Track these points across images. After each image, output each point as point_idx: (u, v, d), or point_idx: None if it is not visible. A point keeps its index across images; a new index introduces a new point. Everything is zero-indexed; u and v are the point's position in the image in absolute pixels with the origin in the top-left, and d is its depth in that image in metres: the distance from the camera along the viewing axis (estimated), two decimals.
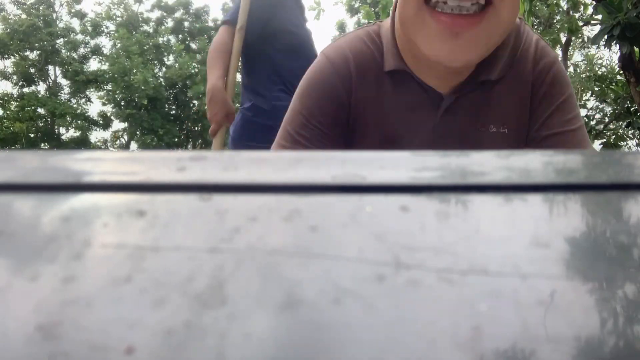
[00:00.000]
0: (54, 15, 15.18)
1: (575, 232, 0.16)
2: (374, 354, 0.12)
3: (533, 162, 0.19)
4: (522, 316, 0.13)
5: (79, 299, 0.13)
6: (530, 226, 0.16)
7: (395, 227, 0.16)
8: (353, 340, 0.12)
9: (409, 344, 0.12)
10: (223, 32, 1.39)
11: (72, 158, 0.20)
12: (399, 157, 0.20)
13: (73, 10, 15.28)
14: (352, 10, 14.08)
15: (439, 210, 0.17)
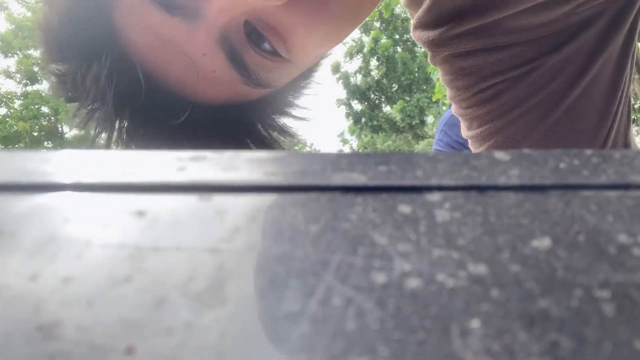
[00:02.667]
0: None
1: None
2: None
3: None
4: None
5: (79, 299, 0.13)
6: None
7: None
8: None
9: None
10: None
11: (72, 157, 0.20)
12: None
13: None
14: None
15: None
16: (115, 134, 0.46)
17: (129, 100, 0.43)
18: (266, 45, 0.42)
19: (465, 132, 0.63)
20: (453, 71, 0.59)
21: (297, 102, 0.55)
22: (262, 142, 0.52)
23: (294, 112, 0.54)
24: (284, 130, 0.53)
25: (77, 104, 0.47)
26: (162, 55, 0.42)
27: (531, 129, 0.57)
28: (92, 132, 0.49)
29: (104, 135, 0.47)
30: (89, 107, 0.45)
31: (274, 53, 0.43)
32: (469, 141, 0.63)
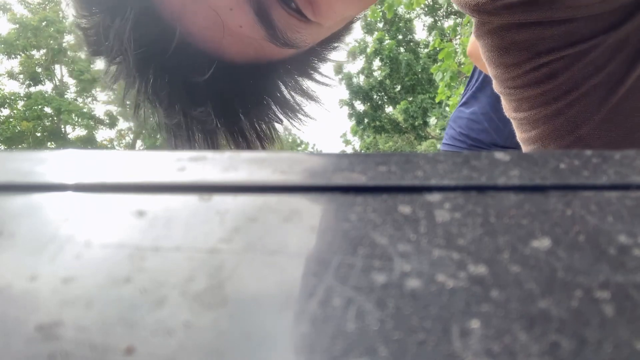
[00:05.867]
0: (60, 14, 15.23)
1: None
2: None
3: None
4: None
5: (79, 299, 0.13)
6: None
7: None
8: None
9: None
10: None
11: (72, 157, 0.20)
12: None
13: None
14: None
15: None
16: (141, 90, 0.45)
17: (153, 55, 0.42)
18: (294, 4, 0.41)
19: (511, 114, 0.58)
20: (503, 45, 0.55)
21: (323, 66, 0.52)
22: (284, 105, 0.51)
23: (318, 76, 0.52)
24: (307, 94, 0.52)
25: (105, 62, 0.46)
26: (188, 8, 0.41)
27: (592, 111, 0.53)
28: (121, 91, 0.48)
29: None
30: (115, 63, 0.44)
31: (301, 13, 0.42)
32: (515, 122, 0.58)
